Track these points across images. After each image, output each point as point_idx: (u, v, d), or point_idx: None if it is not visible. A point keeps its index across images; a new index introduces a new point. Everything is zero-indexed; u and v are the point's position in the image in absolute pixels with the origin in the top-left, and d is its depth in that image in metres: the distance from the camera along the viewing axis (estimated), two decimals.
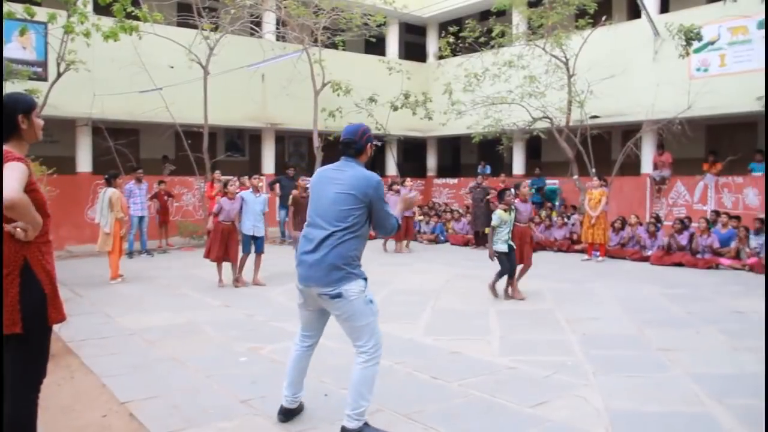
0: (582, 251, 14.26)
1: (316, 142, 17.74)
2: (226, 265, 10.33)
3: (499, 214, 9.08)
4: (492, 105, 17.14)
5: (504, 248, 9.07)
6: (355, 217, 3.96)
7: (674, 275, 11.48)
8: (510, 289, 9.22)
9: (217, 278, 10.30)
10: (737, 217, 13.31)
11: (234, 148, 21.13)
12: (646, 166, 16.70)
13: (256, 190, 10.65)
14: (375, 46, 21.88)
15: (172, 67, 16.10)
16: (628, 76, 16.07)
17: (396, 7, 19.27)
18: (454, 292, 9.87)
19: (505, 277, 9.17)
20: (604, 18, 15.83)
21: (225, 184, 10.76)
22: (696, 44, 14.24)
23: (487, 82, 17.07)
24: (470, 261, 13.42)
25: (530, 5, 16.81)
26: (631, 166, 16.73)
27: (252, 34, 17.96)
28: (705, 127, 17.53)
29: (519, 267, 9.40)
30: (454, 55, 17.99)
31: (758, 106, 13.58)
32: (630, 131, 17.23)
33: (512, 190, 9.45)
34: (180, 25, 17.07)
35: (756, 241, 12.27)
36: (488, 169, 20.33)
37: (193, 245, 15.99)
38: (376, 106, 18.23)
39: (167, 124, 16.42)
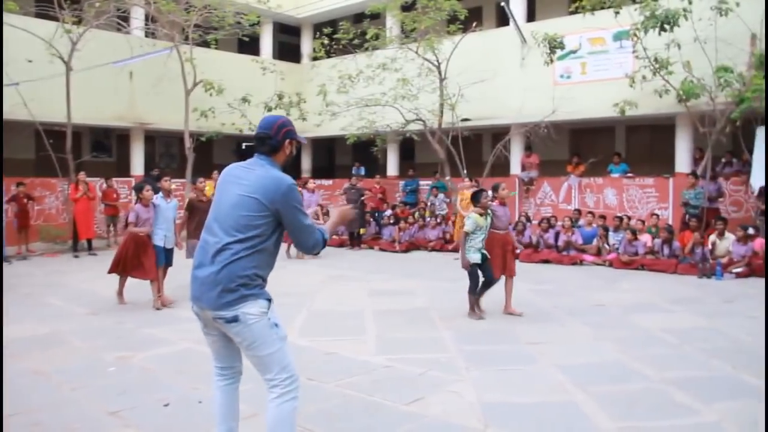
0: (455, 251, 14.61)
1: (188, 143, 17.21)
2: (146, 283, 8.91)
3: (474, 219, 7.89)
4: (366, 107, 17.25)
5: (478, 258, 7.92)
6: (257, 227, 3.24)
7: (542, 272, 12.00)
8: (477, 307, 8.06)
9: (117, 295, 8.96)
10: (602, 216, 14.13)
11: (100, 149, 20.12)
12: (515, 168, 17.37)
13: (168, 194, 9.12)
14: (249, 45, 21.49)
15: (30, 62, 15.11)
16: (498, 81, 16.66)
17: (270, 6, 19.04)
18: (329, 293, 9.85)
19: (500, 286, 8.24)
20: (474, 24, 16.36)
21: (139, 189, 8.83)
22: (559, 52, 14.96)
23: (361, 84, 17.17)
24: (345, 262, 13.47)
25: (404, 9, 17.07)
26: (501, 167, 17.34)
27: (119, 30, 17.18)
28: (569, 130, 18.47)
29: (502, 279, 8.26)
30: (329, 57, 17.98)
31: (615, 112, 14.44)
32: (499, 134, 17.87)
33: (489, 192, 8.28)
34: (39, 16, 16.07)
35: (614, 238, 13.07)
36: (363, 171, 20.49)
37: (57, 251, 15.09)
38: (250, 106, 17.89)
39: (25, 122, 15.41)
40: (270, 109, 18.28)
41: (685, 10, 12.53)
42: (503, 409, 4.74)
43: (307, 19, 22.45)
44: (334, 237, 16.55)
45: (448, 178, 16.40)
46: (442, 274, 11.72)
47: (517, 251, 11.15)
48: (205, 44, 17.31)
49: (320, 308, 8.68)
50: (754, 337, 6.88)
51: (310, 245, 3.42)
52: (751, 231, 11.75)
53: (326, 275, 11.67)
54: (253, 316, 3.23)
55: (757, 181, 12.57)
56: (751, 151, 13.08)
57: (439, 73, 16.28)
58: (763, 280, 10.67)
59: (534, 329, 7.33)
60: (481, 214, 7.92)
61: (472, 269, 7.95)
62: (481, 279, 8.00)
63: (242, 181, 3.34)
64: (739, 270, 11.09)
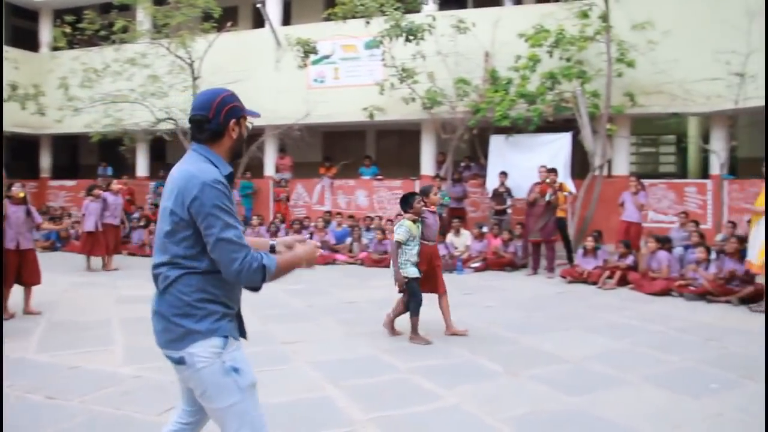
0: None
1: None
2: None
3: (407, 226, 6.84)
4: (113, 103, 16.27)
5: (416, 272, 6.86)
6: (181, 242, 2.56)
7: (305, 272, 12.03)
8: (390, 326, 7.17)
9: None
10: (351, 216, 14.65)
11: None
12: (269, 169, 17.41)
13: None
14: None
15: None
16: (252, 82, 16.50)
17: None
18: (72, 303, 9.06)
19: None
20: (229, 24, 16.11)
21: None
22: (314, 57, 15.28)
23: (108, 79, 16.14)
24: (87, 269, 12.46)
25: (156, 3, 16.33)
26: (256, 169, 17.27)
27: None
28: (322, 133, 18.95)
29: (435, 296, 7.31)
30: (72, 48, 16.59)
31: (365, 117, 15.10)
32: (254, 135, 17.78)
33: (419, 196, 7.08)
34: None
35: (366, 238, 13.62)
36: (110, 171, 19.19)
37: None
38: None
39: None
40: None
41: (429, 25, 13.55)
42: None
43: (46, 4, 20.49)
44: (74, 243, 15.07)
45: None
46: None
47: None
48: None
49: (62, 319, 7.95)
50: (489, 324, 7.60)
51: (233, 270, 2.51)
52: (485, 229, 12.94)
53: (69, 282, 10.75)
54: (202, 359, 2.54)
55: (492, 183, 13.90)
56: (486, 157, 14.46)
57: (192, 71, 15.80)
58: (498, 273, 11.84)
59: (288, 329, 7.38)
60: (414, 221, 6.89)
61: (410, 285, 6.83)
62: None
63: (167, 184, 2.66)
64: (477, 265, 12.13)
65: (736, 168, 16.17)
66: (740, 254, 9.19)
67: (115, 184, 13.46)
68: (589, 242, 11.17)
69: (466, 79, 14.05)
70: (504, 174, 13.44)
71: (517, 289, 10.34)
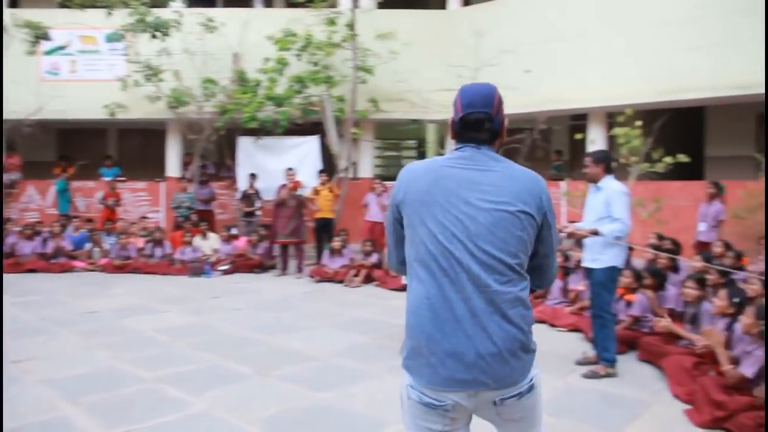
0: None
1: None
2: None
3: None
4: None
5: None
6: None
7: (27, 283, 11.03)
8: None
9: None
10: (90, 220, 13.69)
11: None
12: None
13: None
14: None
15: None
16: None
17: None
18: None
19: None
20: None
21: None
22: (47, 46, 14.07)
23: None
24: None
25: None
26: None
27: None
28: (56, 130, 17.47)
29: None
30: None
31: (105, 114, 14.23)
32: None
33: None
34: None
35: (108, 242, 12.82)
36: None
37: None
38: None
39: None
40: None
41: (176, 21, 13.14)
42: None
43: None
44: None
45: None
46: None
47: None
48: None
49: None
50: (237, 327, 7.59)
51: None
52: (234, 231, 12.86)
53: None
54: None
55: (242, 185, 13.81)
56: (234, 159, 14.36)
57: None
58: (247, 275, 11.82)
59: (18, 346, 6.71)
60: None
61: None
62: None
63: (481, 186, 2.28)
64: (225, 267, 11.99)
65: None
66: None
67: None
68: (336, 242, 11.59)
69: (214, 79, 13.83)
70: (253, 176, 13.44)
71: (266, 290, 10.42)
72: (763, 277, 6.05)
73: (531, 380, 2.27)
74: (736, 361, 4.74)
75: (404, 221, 2.35)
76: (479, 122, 2.31)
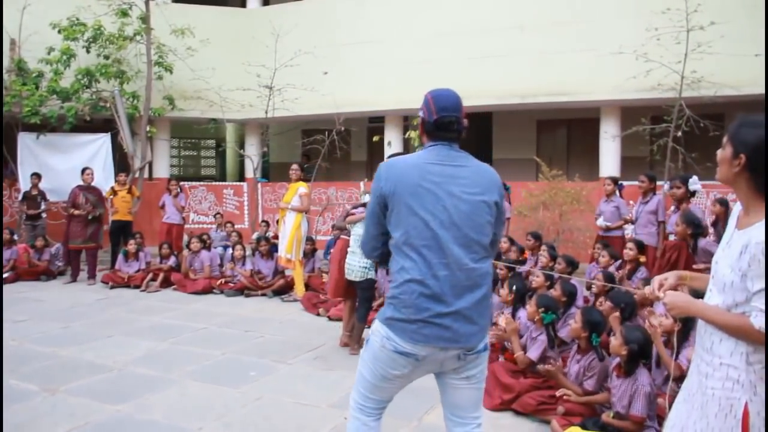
0: None
1: None
2: None
3: None
4: None
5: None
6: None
7: None
8: None
9: None
10: None
11: None
12: None
13: None
14: None
15: None
16: None
17: None
18: None
19: None
20: None
21: None
22: None
23: None
24: None
25: None
26: None
27: None
28: None
29: None
30: None
31: None
32: None
33: None
34: None
35: None
36: None
37: None
38: None
39: None
40: None
41: None
42: None
43: None
44: None
45: None
46: None
47: None
48: None
49: None
50: (20, 340, 6.89)
51: None
52: (16, 237, 11.69)
53: None
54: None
55: (24, 185, 12.61)
56: (14, 157, 13.10)
57: None
58: (32, 283, 10.80)
59: None
60: None
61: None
62: None
63: (459, 180, 2.76)
64: (6, 275, 10.83)
65: (268, 171, 17.67)
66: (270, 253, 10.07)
67: None
68: (131, 245, 10.94)
69: None
70: (37, 176, 12.29)
71: (54, 299, 9.56)
72: (545, 271, 6.59)
73: (485, 342, 2.77)
74: (524, 348, 5.15)
75: (390, 211, 2.71)
76: (451, 123, 2.77)
